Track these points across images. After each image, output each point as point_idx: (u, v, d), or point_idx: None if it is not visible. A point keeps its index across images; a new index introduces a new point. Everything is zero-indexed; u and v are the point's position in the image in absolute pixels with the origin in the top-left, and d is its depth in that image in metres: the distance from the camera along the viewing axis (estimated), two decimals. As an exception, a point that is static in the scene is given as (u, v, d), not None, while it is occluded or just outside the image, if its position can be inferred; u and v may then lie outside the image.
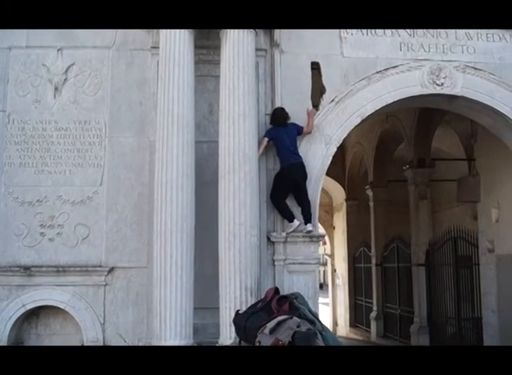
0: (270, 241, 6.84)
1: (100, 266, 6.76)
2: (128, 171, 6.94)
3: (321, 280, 32.40)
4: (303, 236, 6.85)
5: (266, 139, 6.82)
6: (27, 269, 6.65)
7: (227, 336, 5.99)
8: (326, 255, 20.55)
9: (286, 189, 6.87)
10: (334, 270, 18.81)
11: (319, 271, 13.45)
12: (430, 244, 12.90)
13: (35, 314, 6.81)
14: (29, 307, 6.64)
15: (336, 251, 18.64)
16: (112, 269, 6.76)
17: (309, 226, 6.81)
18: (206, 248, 6.43)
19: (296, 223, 6.81)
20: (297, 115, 7.01)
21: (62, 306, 6.66)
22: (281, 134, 6.83)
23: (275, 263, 6.84)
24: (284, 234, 6.83)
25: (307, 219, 6.84)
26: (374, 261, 15.17)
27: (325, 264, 23.82)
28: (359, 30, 7.33)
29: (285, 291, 6.48)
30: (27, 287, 6.66)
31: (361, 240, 16.14)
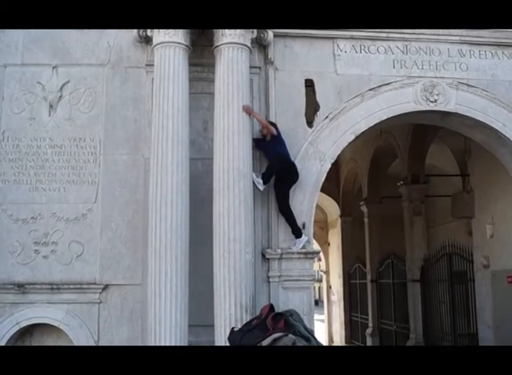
0: (265, 258, 6.83)
1: (94, 284, 6.73)
2: (122, 188, 6.94)
3: (317, 297, 32.33)
4: (297, 252, 6.84)
5: (274, 131, 6.74)
6: (21, 287, 6.61)
7: (222, 354, 5.94)
8: (321, 271, 20.51)
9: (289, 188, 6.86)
10: (329, 287, 18.76)
11: (314, 287, 13.36)
12: (425, 259, 12.90)
13: (29, 332, 6.76)
14: (23, 325, 6.59)
15: (331, 267, 18.61)
16: (106, 287, 6.72)
17: (305, 238, 6.81)
18: (200, 264, 6.42)
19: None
20: (291, 132, 7.05)
21: (55, 324, 6.61)
22: (281, 134, 6.84)
23: (270, 280, 6.82)
24: (279, 251, 6.81)
25: (298, 230, 6.85)
26: (369, 277, 15.15)
27: (320, 280, 23.77)
28: (352, 48, 7.41)
29: (280, 307, 6.47)
30: (21, 304, 6.61)
31: (356, 256, 16.14)
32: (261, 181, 6.73)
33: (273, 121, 6.99)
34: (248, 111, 6.52)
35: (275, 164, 6.78)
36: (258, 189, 6.74)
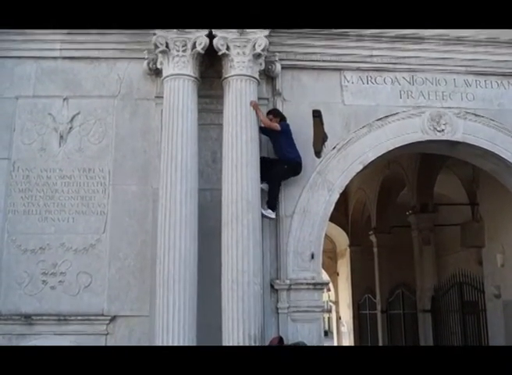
0: (273, 289, 6.78)
1: (102, 315, 6.69)
2: (131, 219, 6.95)
3: (326, 328, 31.91)
4: (306, 283, 6.79)
5: (278, 126, 6.82)
6: (28, 318, 6.59)
7: (230, 386, 5.86)
8: (331, 301, 20.32)
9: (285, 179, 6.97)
10: (339, 317, 18.55)
11: (324, 318, 13.23)
12: (435, 289, 12.77)
13: (35, 364, 6.70)
14: (29, 357, 6.54)
15: (340, 297, 18.44)
16: (113, 318, 6.68)
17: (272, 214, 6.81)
18: (209, 296, 6.37)
19: (273, 215, 6.80)
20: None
21: (62, 356, 6.55)
22: (290, 130, 6.91)
23: (279, 311, 6.75)
24: (288, 282, 6.77)
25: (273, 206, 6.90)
26: (379, 307, 14.98)
27: (329, 311, 23.52)
28: (359, 79, 7.48)
29: (289, 339, 6.43)
30: (28, 336, 6.57)
31: (366, 286, 15.98)
32: (269, 211, 6.77)
33: (283, 115, 7.06)
34: (255, 107, 6.63)
35: (276, 187, 6.88)
36: (271, 218, 6.78)
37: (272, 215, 6.79)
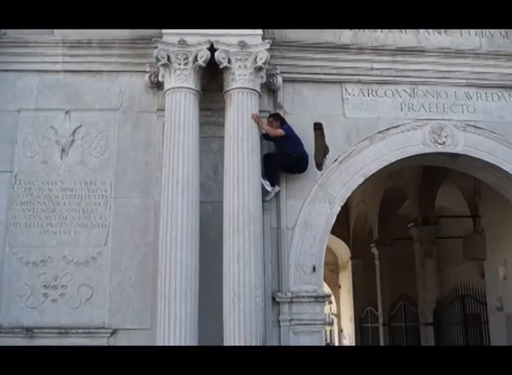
0: (275, 301, 6.76)
1: (103, 328, 6.66)
2: (132, 231, 6.95)
3: (328, 341, 31.75)
4: (308, 296, 6.77)
5: (282, 132, 6.88)
6: (29, 331, 6.57)
7: (232, 400, 5.83)
8: (332, 314, 20.22)
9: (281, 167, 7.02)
10: (341, 330, 18.47)
11: (325, 331, 13.21)
12: (437, 302, 12.73)
13: (36, 378, 6.67)
14: (29, 370, 6.50)
15: (342, 310, 18.37)
16: (114, 331, 6.66)
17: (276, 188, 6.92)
18: (210, 308, 6.35)
19: (277, 188, 6.90)
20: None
21: (63, 370, 6.52)
22: (293, 131, 6.98)
23: (281, 324, 6.73)
24: (289, 294, 6.75)
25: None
26: (381, 320, 14.92)
27: (331, 324, 23.41)
28: (360, 91, 7.52)
29: (291, 352, 6.35)
30: (29, 349, 6.55)
31: (368, 299, 15.93)
32: (268, 183, 6.81)
33: (284, 118, 7.12)
34: (256, 120, 6.66)
35: (275, 163, 6.95)
36: (268, 191, 6.82)
37: (269, 187, 6.81)
